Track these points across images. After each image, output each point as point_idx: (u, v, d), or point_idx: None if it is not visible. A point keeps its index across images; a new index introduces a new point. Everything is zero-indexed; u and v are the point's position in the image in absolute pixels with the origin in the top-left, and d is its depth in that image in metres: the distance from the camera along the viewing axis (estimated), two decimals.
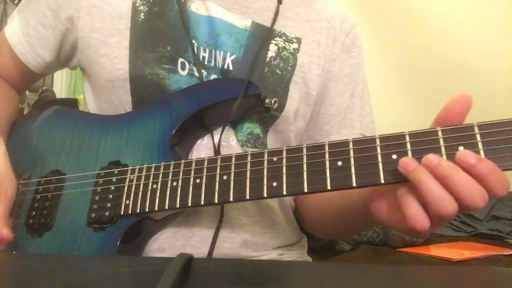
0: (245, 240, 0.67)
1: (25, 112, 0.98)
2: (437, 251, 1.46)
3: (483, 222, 1.82)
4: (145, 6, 0.70)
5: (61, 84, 2.23)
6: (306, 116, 0.76)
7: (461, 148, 0.44)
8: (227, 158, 0.56)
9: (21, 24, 0.75)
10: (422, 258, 1.38)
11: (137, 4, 0.70)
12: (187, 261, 0.40)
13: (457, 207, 0.43)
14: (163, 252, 0.64)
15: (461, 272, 0.51)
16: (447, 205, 0.42)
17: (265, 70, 0.71)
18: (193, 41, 0.69)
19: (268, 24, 0.73)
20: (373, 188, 0.50)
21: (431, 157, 0.44)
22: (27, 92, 1.67)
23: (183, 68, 0.69)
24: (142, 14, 0.70)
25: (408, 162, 0.45)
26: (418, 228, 0.44)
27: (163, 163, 0.60)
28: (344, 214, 0.64)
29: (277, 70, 0.72)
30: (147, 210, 0.59)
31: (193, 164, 0.58)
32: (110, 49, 0.68)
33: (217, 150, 0.66)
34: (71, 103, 0.80)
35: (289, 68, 0.73)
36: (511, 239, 1.70)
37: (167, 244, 0.64)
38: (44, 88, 1.79)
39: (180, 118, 0.64)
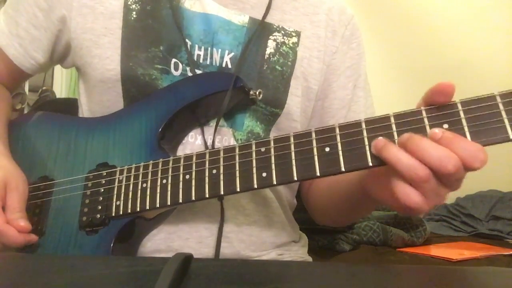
0: (242, 239, 0.67)
1: (25, 112, 0.98)
2: (437, 251, 1.46)
3: (483, 222, 1.82)
4: (137, 5, 0.69)
5: (61, 84, 2.22)
6: (308, 111, 0.75)
7: (445, 126, 0.45)
8: (215, 152, 0.56)
9: (9, 24, 0.73)
10: (422, 258, 1.38)
11: (129, 3, 0.69)
12: (185, 260, 0.40)
13: (428, 172, 0.43)
14: (159, 253, 0.63)
15: (461, 272, 0.51)
16: (418, 170, 0.43)
17: (264, 68, 0.70)
18: (187, 40, 0.68)
19: (266, 19, 0.72)
20: (369, 170, 0.50)
21: (403, 136, 0.45)
22: (27, 92, 1.67)
23: (176, 69, 0.68)
24: (134, 13, 0.68)
25: (377, 142, 0.46)
26: (412, 205, 0.44)
27: (151, 162, 0.60)
28: (346, 198, 0.64)
29: (277, 66, 0.71)
30: (138, 209, 0.58)
31: (182, 161, 0.58)
32: (102, 49, 0.67)
33: (211, 147, 0.65)
34: (71, 103, 0.80)
35: (289, 63, 0.72)
36: (511, 239, 1.70)
37: (163, 245, 0.63)
38: (44, 88, 1.78)
39: (166, 115, 0.64)
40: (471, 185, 1.97)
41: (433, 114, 0.46)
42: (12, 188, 0.63)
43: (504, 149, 0.47)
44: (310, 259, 0.80)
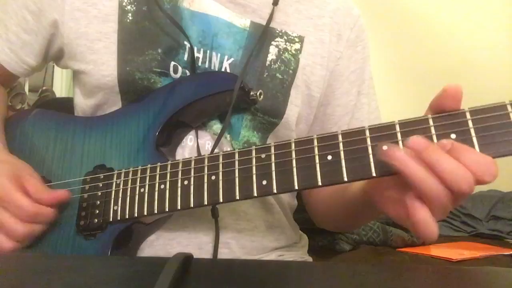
0: (243, 245, 0.66)
1: None
2: (437, 251, 1.46)
3: (483, 222, 1.82)
4: (133, 6, 0.66)
5: (61, 84, 2.22)
6: (309, 118, 0.74)
7: (453, 136, 0.43)
8: (215, 158, 0.54)
9: None
10: (422, 258, 1.38)
11: (124, 4, 0.66)
12: (186, 260, 0.40)
13: (442, 189, 0.41)
14: None
15: (461, 272, 0.51)
16: (431, 186, 0.40)
17: (264, 75, 0.68)
18: (185, 42, 0.66)
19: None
20: (375, 180, 0.48)
21: (416, 140, 0.42)
22: (27, 92, 1.67)
23: (175, 72, 0.66)
24: (129, 14, 0.66)
25: (389, 150, 0.43)
26: (421, 221, 0.42)
27: (149, 166, 0.58)
28: (349, 207, 0.63)
29: (278, 74, 0.68)
30: (136, 215, 0.58)
31: (180, 165, 0.56)
32: (97, 55, 0.65)
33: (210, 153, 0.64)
34: (71, 103, 0.79)
35: (290, 71, 0.69)
36: (511, 239, 1.70)
37: (162, 251, 0.63)
38: (44, 88, 1.78)
39: (164, 116, 0.62)
40: None
41: (440, 123, 0.43)
42: (27, 176, 0.61)
43: None
44: (310, 259, 0.80)
